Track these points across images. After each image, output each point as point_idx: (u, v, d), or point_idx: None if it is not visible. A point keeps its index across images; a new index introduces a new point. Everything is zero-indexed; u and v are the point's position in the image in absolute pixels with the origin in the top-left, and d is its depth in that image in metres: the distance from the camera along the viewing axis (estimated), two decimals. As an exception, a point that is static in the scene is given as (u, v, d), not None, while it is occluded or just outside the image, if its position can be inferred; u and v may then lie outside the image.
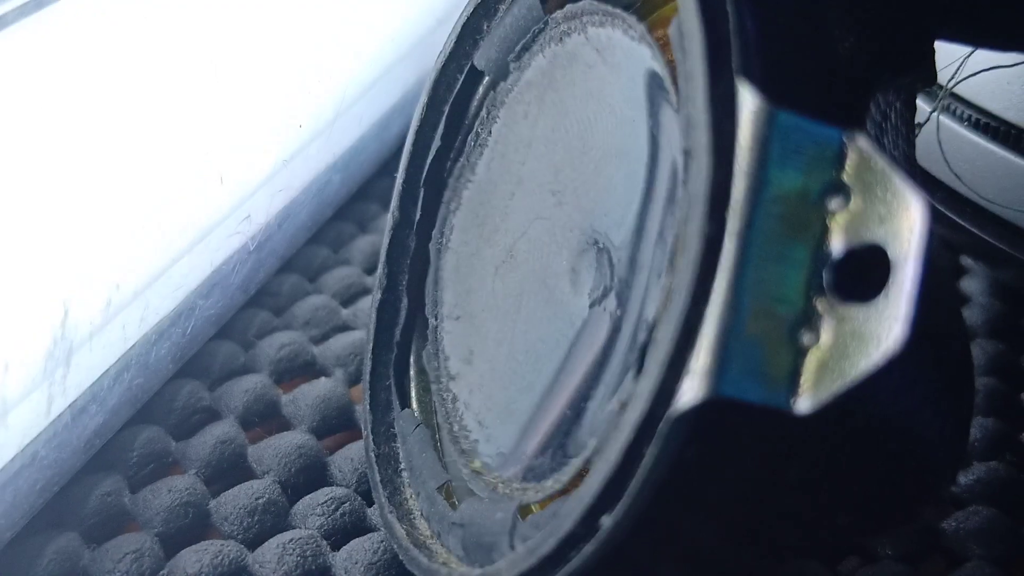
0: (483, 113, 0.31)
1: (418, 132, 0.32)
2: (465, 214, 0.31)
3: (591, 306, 0.27)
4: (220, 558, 0.29)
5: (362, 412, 0.31)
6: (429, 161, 0.31)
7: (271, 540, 0.30)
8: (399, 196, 0.32)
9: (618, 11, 0.26)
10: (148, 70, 0.32)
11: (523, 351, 0.28)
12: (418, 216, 0.31)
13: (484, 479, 0.28)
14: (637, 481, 0.21)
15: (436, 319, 0.31)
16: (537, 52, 0.29)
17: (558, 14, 0.28)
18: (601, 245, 0.26)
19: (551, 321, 0.28)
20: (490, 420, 0.29)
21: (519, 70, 0.29)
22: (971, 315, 0.39)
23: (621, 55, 0.26)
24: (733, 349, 0.20)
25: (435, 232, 0.31)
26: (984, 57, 0.33)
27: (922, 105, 0.35)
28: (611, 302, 0.26)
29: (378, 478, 0.29)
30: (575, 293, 0.27)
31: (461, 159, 0.31)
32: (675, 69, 0.23)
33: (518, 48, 0.29)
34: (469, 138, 0.31)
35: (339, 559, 0.30)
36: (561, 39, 0.28)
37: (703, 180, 0.21)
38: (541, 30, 0.29)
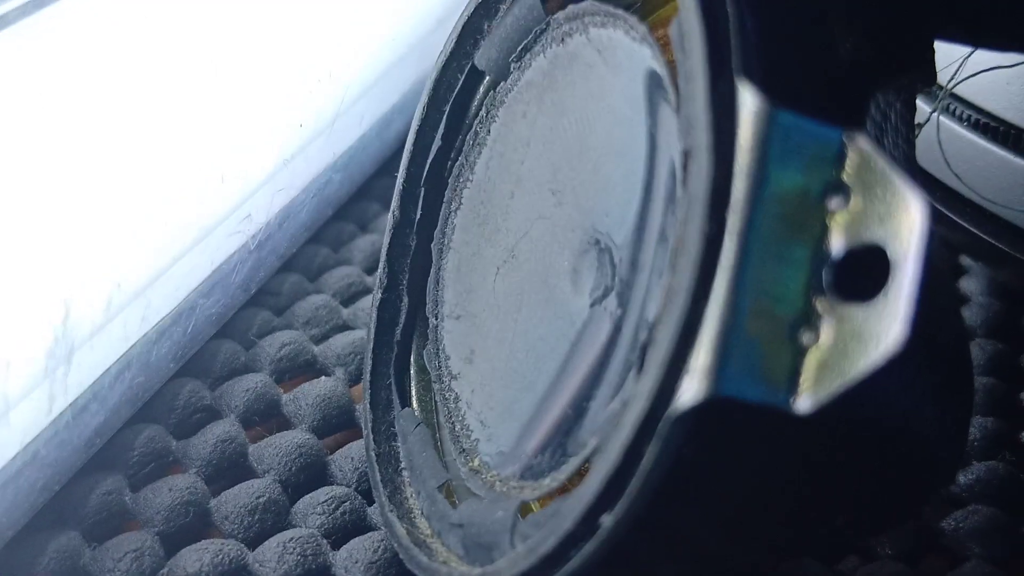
0: (483, 112, 0.31)
1: (419, 132, 0.32)
2: (466, 213, 0.31)
3: (592, 305, 0.27)
4: (220, 557, 0.29)
5: (362, 411, 0.31)
6: (430, 161, 0.31)
7: (271, 539, 0.30)
8: (400, 195, 0.32)
9: (620, 12, 0.26)
10: (149, 69, 0.32)
11: (524, 350, 0.28)
12: (419, 215, 0.31)
13: (482, 477, 0.28)
14: (637, 480, 0.21)
15: (437, 318, 0.31)
16: (538, 53, 0.29)
17: (560, 15, 0.28)
18: (603, 245, 0.26)
19: (552, 320, 0.28)
20: (492, 419, 0.29)
21: (520, 70, 0.29)
22: (970, 315, 0.39)
23: (622, 56, 0.26)
24: (733, 349, 0.20)
25: (436, 232, 0.31)
26: (984, 58, 0.33)
27: (922, 105, 0.35)
28: (612, 302, 0.26)
29: (378, 477, 0.29)
30: (576, 293, 0.27)
31: (461, 158, 0.31)
32: (675, 69, 0.23)
33: (519, 48, 0.29)
34: (468, 137, 0.31)
35: (339, 558, 0.30)
36: (563, 40, 0.28)
37: (703, 180, 0.21)
38: (543, 31, 0.29)
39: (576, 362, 0.27)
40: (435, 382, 0.30)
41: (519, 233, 0.29)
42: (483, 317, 0.30)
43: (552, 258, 0.28)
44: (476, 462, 0.28)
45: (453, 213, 0.31)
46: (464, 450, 0.29)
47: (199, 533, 0.30)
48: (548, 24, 0.28)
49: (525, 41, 0.29)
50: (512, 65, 0.30)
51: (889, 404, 0.23)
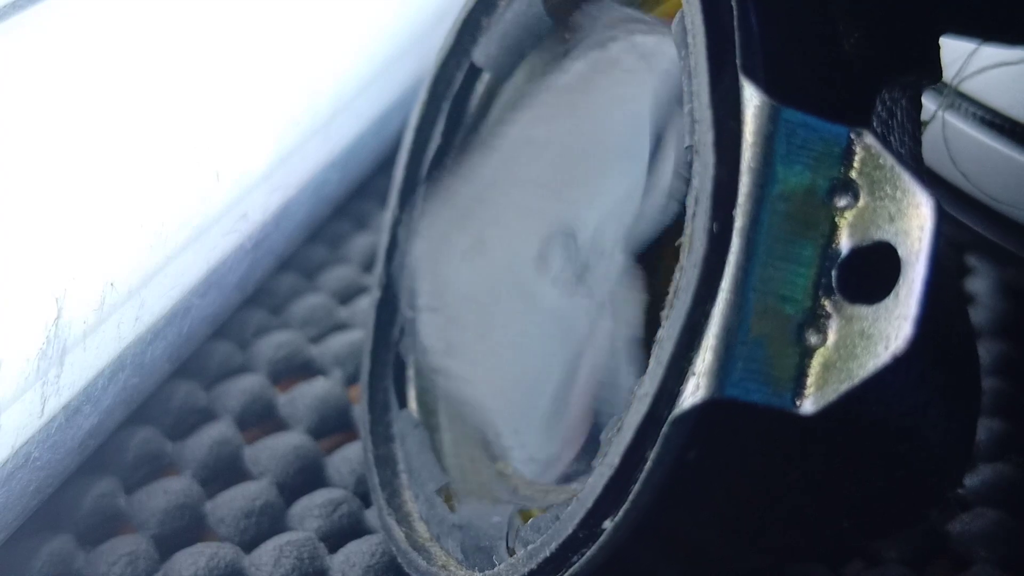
0: (492, 110, 0.30)
1: (417, 129, 0.31)
2: (445, 203, 0.30)
3: (572, 297, 0.26)
4: (216, 560, 0.29)
5: (360, 412, 0.31)
6: (430, 158, 0.31)
7: (268, 542, 0.29)
8: (398, 194, 0.32)
9: (653, 19, 0.26)
10: (144, 65, 0.31)
11: (506, 346, 0.28)
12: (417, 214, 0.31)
13: (509, 481, 0.28)
14: (639, 485, 0.21)
15: (413, 310, 0.30)
16: (579, 57, 0.29)
17: (608, 20, 0.28)
18: (580, 240, 0.26)
19: (531, 315, 0.27)
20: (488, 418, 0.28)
21: (559, 72, 0.29)
22: (976, 315, 0.38)
23: (666, 63, 0.26)
24: (737, 349, 0.20)
25: (404, 217, 0.31)
26: (989, 54, 0.33)
27: (927, 103, 0.34)
28: (587, 292, 0.26)
29: (376, 480, 0.29)
30: (556, 288, 0.27)
31: (458, 154, 0.31)
32: None
33: (563, 50, 0.29)
34: (471, 134, 0.31)
35: (336, 561, 0.29)
36: (605, 45, 0.28)
37: (708, 177, 0.20)
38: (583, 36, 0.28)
39: (570, 359, 0.26)
40: (416, 377, 0.30)
41: (497, 225, 0.29)
42: (459, 310, 0.29)
43: (525, 252, 0.28)
44: (506, 467, 0.28)
45: (432, 202, 0.31)
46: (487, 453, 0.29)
47: (194, 536, 0.30)
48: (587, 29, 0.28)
49: (566, 47, 0.29)
50: (549, 66, 0.29)
51: (895, 406, 0.23)
